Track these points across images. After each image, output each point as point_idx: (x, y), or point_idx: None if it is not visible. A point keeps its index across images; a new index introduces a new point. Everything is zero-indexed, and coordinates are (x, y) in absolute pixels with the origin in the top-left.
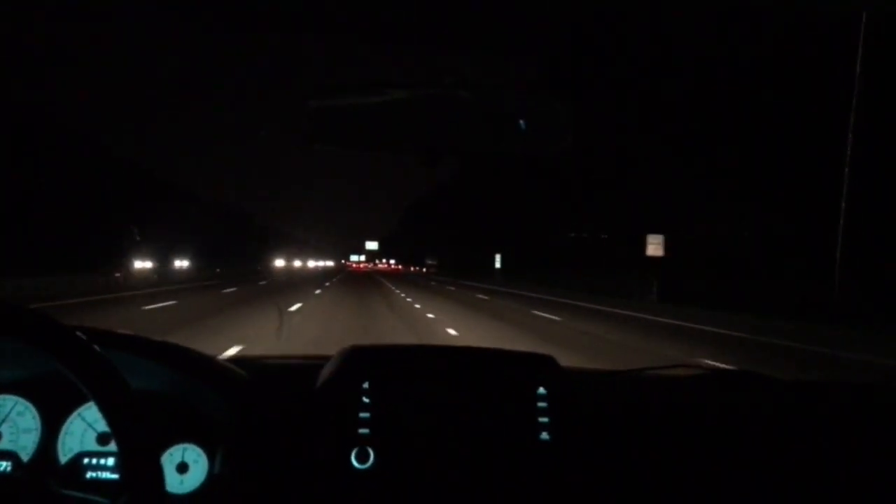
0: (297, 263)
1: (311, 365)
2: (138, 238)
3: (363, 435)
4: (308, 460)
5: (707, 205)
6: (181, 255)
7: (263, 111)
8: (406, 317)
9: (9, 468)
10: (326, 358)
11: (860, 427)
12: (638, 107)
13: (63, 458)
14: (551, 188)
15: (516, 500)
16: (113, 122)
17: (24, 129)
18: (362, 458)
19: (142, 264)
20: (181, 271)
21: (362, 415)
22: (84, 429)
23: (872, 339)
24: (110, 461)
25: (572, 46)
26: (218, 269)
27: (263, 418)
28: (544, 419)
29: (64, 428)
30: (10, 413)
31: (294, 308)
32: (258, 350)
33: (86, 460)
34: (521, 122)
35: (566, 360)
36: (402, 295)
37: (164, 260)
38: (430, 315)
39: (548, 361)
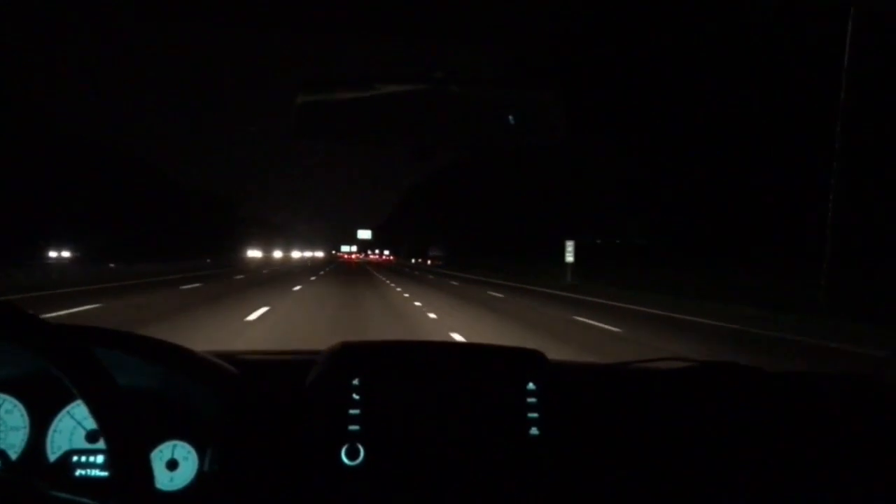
0: (278, 255)
1: (300, 361)
2: None
3: (353, 432)
4: (298, 457)
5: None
6: (62, 245)
7: (252, 104)
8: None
9: None
10: (316, 354)
11: (847, 418)
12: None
13: (52, 456)
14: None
15: (507, 496)
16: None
17: None
18: (352, 455)
19: None
20: (57, 265)
21: (352, 412)
22: (73, 426)
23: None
24: (100, 459)
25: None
26: (112, 265)
27: (253, 415)
28: (533, 414)
29: (52, 426)
30: None
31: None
32: None
33: (75, 458)
34: (511, 116)
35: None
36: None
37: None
38: None
39: (536, 356)
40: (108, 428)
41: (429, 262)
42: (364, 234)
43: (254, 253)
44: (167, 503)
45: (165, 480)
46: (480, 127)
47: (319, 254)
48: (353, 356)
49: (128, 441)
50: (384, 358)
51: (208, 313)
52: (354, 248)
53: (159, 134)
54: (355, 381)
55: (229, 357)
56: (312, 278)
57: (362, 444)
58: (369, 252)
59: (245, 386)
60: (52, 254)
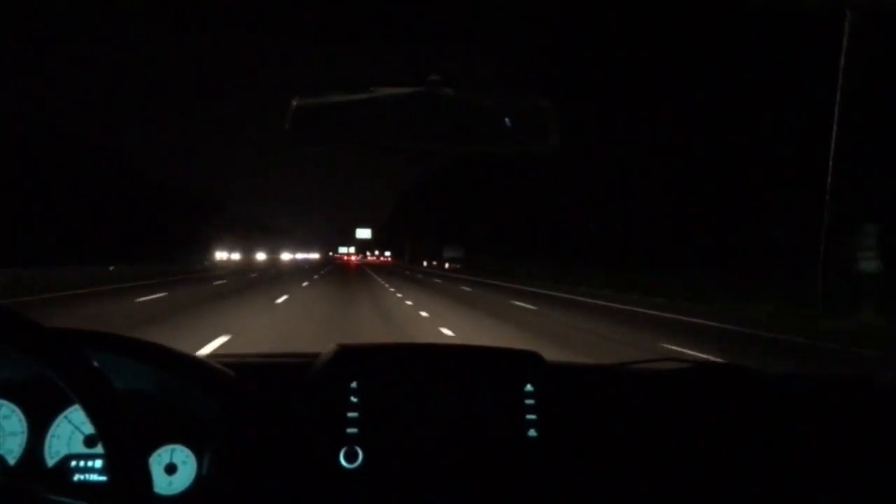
0: (261, 256)
1: (298, 364)
2: None
3: (351, 434)
4: (296, 460)
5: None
6: None
7: (252, 104)
8: None
9: None
10: (314, 356)
11: (851, 420)
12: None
13: (50, 461)
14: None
15: (506, 498)
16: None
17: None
18: (351, 457)
19: None
20: None
21: (350, 414)
22: (71, 431)
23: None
24: (98, 463)
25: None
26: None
27: (251, 418)
28: (532, 416)
29: (50, 430)
30: None
31: None
32: None
33: (73, 463)
34: (507, 119)
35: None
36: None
37: None
38: None
39: (534, 358)
40: (106, 432)
41: (446, 265)
42: (363, 233)
43: (225, 255)
44: None
45: (164, 485)
46: (475, 131)
47: (315, 255)
48: (351, 359)
49: (126, 445)
50: (382, 360)
51: None
52: (353, 249)
53: (144, 131)
54: (353, 384)
55: (227, 360)
56: (305, 283)
57: (361, 447)
58: (368, 253)
59: (243, 389)
60: None
